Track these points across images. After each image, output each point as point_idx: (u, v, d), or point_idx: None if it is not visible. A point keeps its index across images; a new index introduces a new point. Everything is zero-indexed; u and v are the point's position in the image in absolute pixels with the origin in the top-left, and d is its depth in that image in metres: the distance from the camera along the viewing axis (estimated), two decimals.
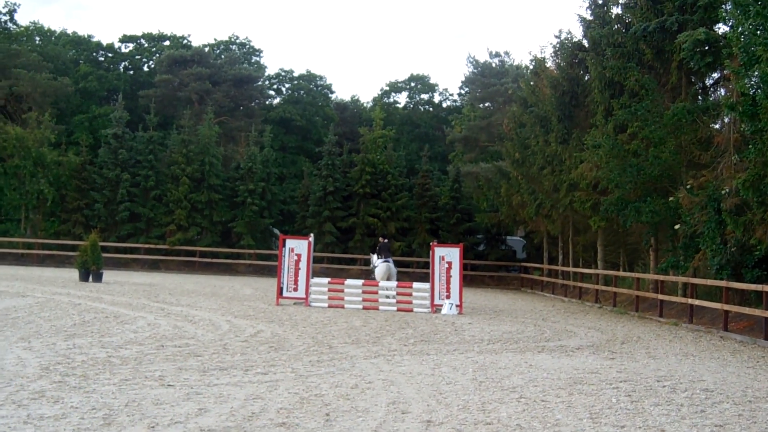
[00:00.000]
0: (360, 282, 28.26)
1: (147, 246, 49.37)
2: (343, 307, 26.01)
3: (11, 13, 67.29)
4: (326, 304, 26.31)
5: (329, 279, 29.22)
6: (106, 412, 9.29)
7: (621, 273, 34.34)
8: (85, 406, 9.59)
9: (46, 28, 69.44)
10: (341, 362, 14.03)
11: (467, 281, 38.92)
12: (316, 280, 27.52)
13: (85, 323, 17.87)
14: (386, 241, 32.73)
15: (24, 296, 24.19)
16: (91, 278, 32.45)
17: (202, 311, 22.23)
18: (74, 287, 29.22)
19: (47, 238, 50.06)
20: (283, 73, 69.58)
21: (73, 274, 34.66)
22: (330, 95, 71.01)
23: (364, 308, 25.90)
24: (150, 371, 12.10)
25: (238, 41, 69.72)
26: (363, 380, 12.29)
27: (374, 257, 32.20)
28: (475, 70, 60.59)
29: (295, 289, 26.56)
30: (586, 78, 35.61)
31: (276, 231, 51.83)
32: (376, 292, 27.23)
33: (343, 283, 27.75)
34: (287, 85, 69.70)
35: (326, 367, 13.44)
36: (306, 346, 15.95)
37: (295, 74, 69.32)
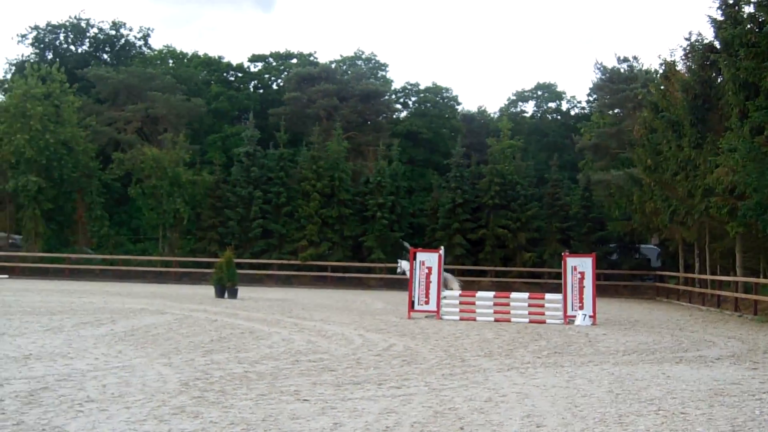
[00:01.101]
0: (491, 294, 28.13)
1: (280, 262, 50.18)
2: (474, 319, 25.87)
3: (145, 37, 69.81)
4: (458, 317, 26.20)
5: (460, 291, 29.13)
6: (244, 427, 9.46)
7: (762, 280, 33.20)
8: (224, 420, 9.78)
9: (178, 51, 71.51)
10: (474, 375, 13.96)
11: (600, 291, 38.21)
12: (447, 292, 27.47)
13: (222, 339, 18.25)
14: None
15: (163, 313, 24.86)
16: (226, 294, 33.15)
17: (335, 326, 22.44)
18: (210, 304, 29.89)
19: (184, 255, 51.43)
20: (409, 87, 69.79)
21: (209, 290, 35.45)
22: (456, 107, 70.83)
23: (496, 320, 25.73)
24: (285, 386, 12.27)
25: (363, 56, 70.35)
26: (497, 393, 12.21)
27: (404, 263, 32.78)
28: (603, 76, 59.55)
29: (427, 302, 26.55)
30: (719, 80, 34.58)
31: (406, 244, 51.78)
32: (508, 304, 27.00)
33: (474, 296, 27.65)
34: (414, 99, 69.84)
35: (459, 380, 13.40)
36: (439, 359, 15.93)
37: (421, 87, 69.41)
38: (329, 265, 50.11)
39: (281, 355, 15.88)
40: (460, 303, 27.15)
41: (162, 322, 21.92)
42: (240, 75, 69.55)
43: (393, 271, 49.45)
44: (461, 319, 25.91)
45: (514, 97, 73.42)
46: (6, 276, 48.44)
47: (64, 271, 50.34)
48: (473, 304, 27.02)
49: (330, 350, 16.85)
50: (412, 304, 26.63)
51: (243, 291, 35.61)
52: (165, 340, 17.80)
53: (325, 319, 24.40)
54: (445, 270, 32.39)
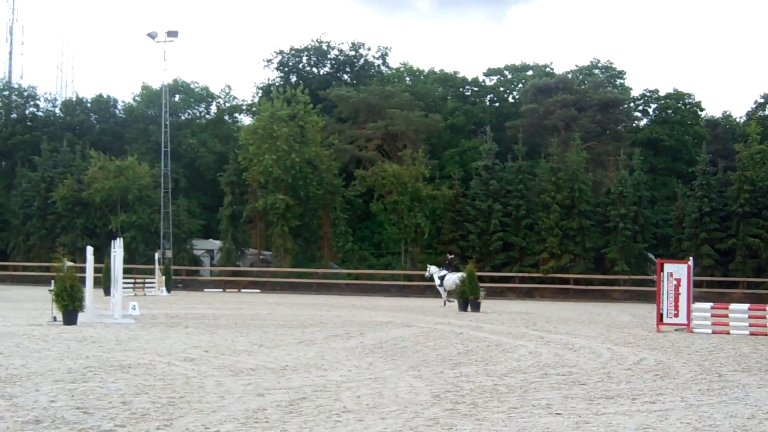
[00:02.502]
0: (746, 306, 26.85)
1: (521, 275, 50.01)
2: (728, 333, 24.80)
3: (383, 56, 71.46)
4: (710, 330, 25.20)
5: (712, 304, 28.01)
6: None
7: None
8: None
9: (415, 68, 72.74)
10: (733, 391, 13.37)
11: None
12: (697, 305, 26.48)
13: (468, 352, 18.32)
14: (452, 257, 41.24)
15: (409, 326, 25.24)
16: (469, 308, 33.27)
17: (582, 339, 22.09)
18: (454, 317, 30.11)
19: (425, 269, 52.06)
20: (648, 94, 68.07)
21: (452, 304, 35.71)
22: (699, 113, 68.52)
23: (751, 334, 24.55)
24: (536, 399, 12.15)
25: (600, 65, 69.24)
26: (759, 410, 11.64)
27: (433, 268, 39.09)
28: None
29: (676, 315, 25.68)
30: None
31: (651, 256, 50.69)
32: (765, 317, 25.67)
33: (727, 308, 26.50)
34: (654, 106, 68.07)
35: (717, 395, 12.87)
36: (693, 374, 15.37)
37: (662, 94, 67.56)
38: (571, 277, 49.51)
39: (529, 368, 15.77)
40: (712, 315, 26.08)
41: (409, 334, 22.26)
42: (475, 89, 69.92)
43: (637, 283, 48.47)
44: (713, 333, 24.90)
45: (762, 100, 70.07)
46: (258, 290, 50.74)
47: (311, 285, 52.18)
48: (726, 316, 25.88)
49: (578, 364, 16.59)
50: (660, 316, 25.84)
51: (485, 304, 35.61)
52: (413, 352, 18.06)
53: (570, 333, 24.07)
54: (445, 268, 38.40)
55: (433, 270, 38.86)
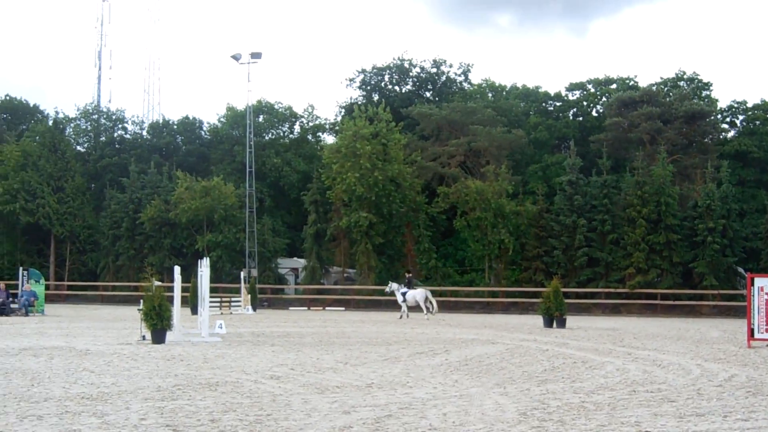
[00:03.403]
0: None
1: (607, 290, 49.43)
2: None
3: (465, 73, 71.51)
4: None
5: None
6: None
7: None
8: None
9: (497, 84, 72.55)
10: None
11: None
12: None
13: (555, 369, 18.13)
14: (411, 275, 44.65)
15: (494, 343, 25.09)
16: (555, 324, 32.96)
17: (670, 355, 21.70)
18: (539, 333, 29.85)
19: (509, 285, 51.83)
20: (735, 105, 66.82)
21: (537, 320, 35.46)
22: None
23: None
24: (625, 417, 11.96)
25: (685, 77, 68.16)
26: None
27: (394, 285, 42.13)
28: None
29: None
30: None
31: (740, 270, 49.65)
32: None
33: None
34: (741, 117, 66.80)
35: None
36: None
37: (749, 105, 66.29)
38: (658, 292, 48.75)
39: (617, 385, 15.54)
40: None
41: (494, 351, 22.12)
42: (558, 104, 69.51)
43: (727, 298, 47.53)
44: None
45: None
46: (343, 308, 50.98)
47: (395, 302, 52.16)
48: None
49: (667, 380, 16.29)
50: (751, 332, 25.27)
51: (570, 320, 35.31)
52: (498, 369, 17.94)
53: (659, 349, 23.67)
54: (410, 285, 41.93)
55: (394, 287, 42.01)
